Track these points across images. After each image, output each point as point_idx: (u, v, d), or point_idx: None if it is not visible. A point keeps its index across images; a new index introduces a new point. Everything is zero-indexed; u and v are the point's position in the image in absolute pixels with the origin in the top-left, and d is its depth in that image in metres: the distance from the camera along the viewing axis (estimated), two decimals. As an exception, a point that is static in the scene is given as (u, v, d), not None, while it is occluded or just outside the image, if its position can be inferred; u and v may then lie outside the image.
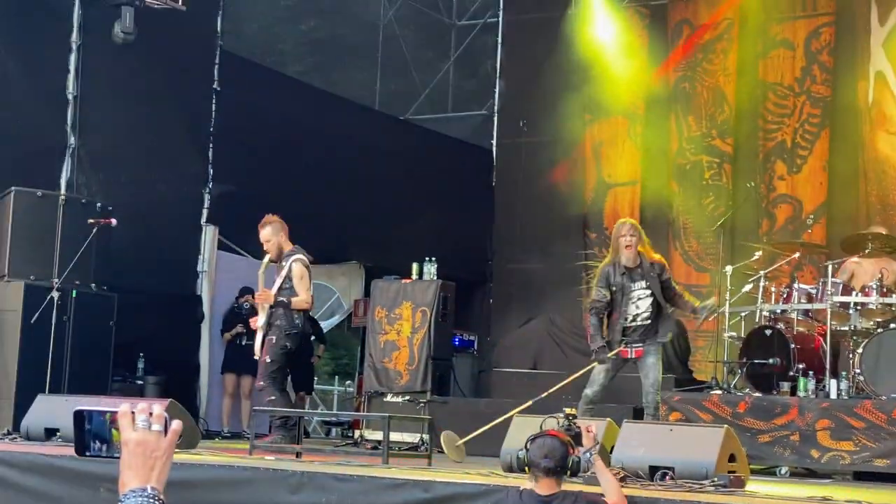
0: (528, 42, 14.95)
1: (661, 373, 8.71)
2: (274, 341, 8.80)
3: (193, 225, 11.53)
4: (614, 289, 8.65)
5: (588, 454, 5.85)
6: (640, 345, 8.60)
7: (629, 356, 8.61)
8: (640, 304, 8.68)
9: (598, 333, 8.82)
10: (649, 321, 8.65)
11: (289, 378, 13.53)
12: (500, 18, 15.61)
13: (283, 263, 8.89)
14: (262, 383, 8.90)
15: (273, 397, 8.84)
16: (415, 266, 11.69)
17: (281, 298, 8.80)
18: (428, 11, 16.17)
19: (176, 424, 2.11)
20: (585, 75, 14.03)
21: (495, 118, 15.56)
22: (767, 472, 9.09)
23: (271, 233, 8.91)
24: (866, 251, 10.19)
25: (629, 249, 8.63)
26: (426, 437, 9.84)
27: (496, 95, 15.58)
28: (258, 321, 8.94)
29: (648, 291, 8.65)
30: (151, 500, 2.04)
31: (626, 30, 14.20)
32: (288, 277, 8.82)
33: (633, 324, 8.66)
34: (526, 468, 5.27)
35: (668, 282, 8.81)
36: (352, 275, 14.72)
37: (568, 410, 6.29)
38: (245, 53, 12.87)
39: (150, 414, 2.09)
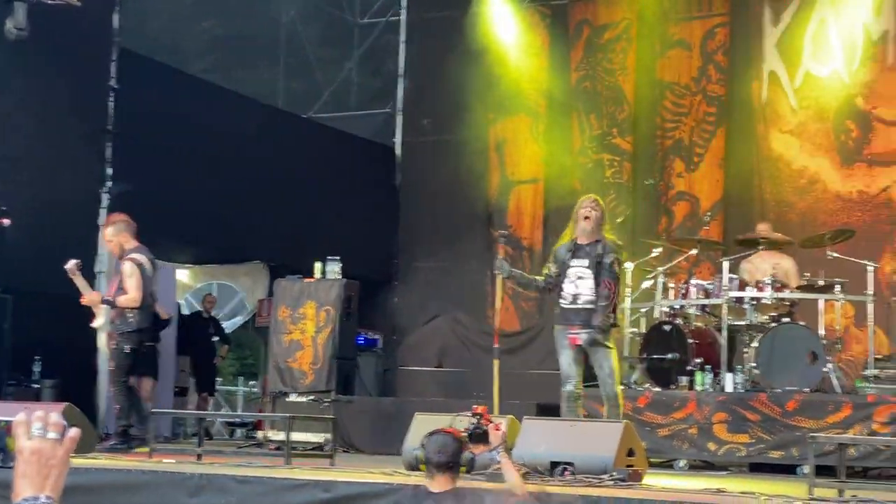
0: (431, 41, 14.98)
1: (616, 361, 8.07)
2: (115, 346, 8.73)
3: (90, 225, 11.33)
4: (559, 265, 8.09)
5: (495, 452, 5.90)
6: (589, 330, 7.91)
7: (579, 342, 7.95)
8: (578, 283, 8.01)
9: (523, 274, 8.59)
10: (592, 305, 7.95)
11: (192, 380, 13.52)
12: (403, 17, 15.62)
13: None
14: (112, 389, 8.82)
15: (119, 405, 8.75)
16: (318, 265, 11.64)
17: (108, 298, 8.72)
18: (330, 9, 16.12)
19: (73, 432, 2.10)
20: (488, 74, 14.11)
21: (399, 117, 15.57)
22: (666, 465, 9.24)
23: (113, 232, 8.87)
24: (759, 248, 10.44)
25: (587, 221, 8.01)
26: (330, 436, 9.82)
27: (399, 94, 15.58)
28: (95, 322, 8.84)
29: (589, 272, 7.99)
30: (45, 509, 2.02)
31: (528, 29, 14.31)
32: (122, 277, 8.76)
33: (574, 305, 7.99)
34: (422, 466, 5.30)
35: (608, 266, 8.03)
36: (256, 274, 14.62)
37: (476, 409, 6.32)
38: (145, 51, 12.68)
39: (47, 422, 2.07)
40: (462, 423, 6.20)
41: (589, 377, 11.26)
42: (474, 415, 6.18)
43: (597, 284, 7.98)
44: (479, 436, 6.01)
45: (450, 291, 14.05)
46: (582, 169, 13.80)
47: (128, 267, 8.71)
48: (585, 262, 8.03)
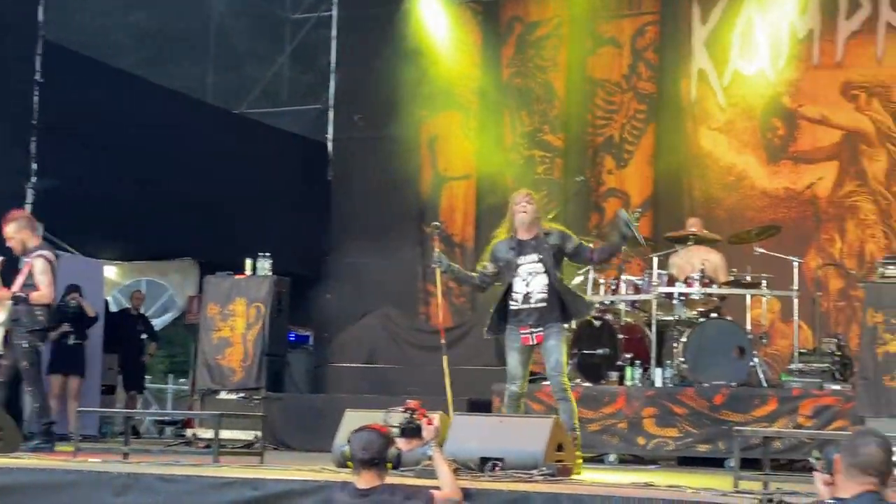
0: (363, 36, 14.94)
1: (564, 354, 7.75)
2: (25, 345, 8.56)
3: (16, 221, 11.14)
4: (501, 264, 7.84)
5: (427, 447, 5.90)
6: (540, 329, 7.66)
7: (530, 342, 7.69)
8: (530, 280, 7.73)
9: (461, 269, 8.21)
10: (545, 303, 7.69)
11: (120, 377, 13.36)
12: (335, 13, 15.55)
13: (27, 260, 8.70)
14: (30, 388, 8.68)
15: (38, 404, 8.63)
16: (248, 261, 11.55)
17: (20, 294, 8.59)
18: (261, 4, 16.00)
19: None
20: (420, 70, 14.09)
21: (331, 113, 15.50)
22: (596, 459, 9.30)
23: (14, 229, 8.72)
24: (688, 244, 10.54)
25: (525, 215, 7.77)
26: (259, 434, 9.75)
27: (331, 90, 15.51)
28: None
29: (541, 266, 7.72)
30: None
31: (459, 26, 14.32)
32: (31, 274, 8.63)
33: (526, 305, 7.72)
34: (349, 463, 5.28)
35: (577, 248, 7.83)
36: (185, 271, 14.49)
37: (409, 403, 6.31)
38: (72, 45, 12.49)
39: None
40: (395, 418, 6.19)
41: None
42: (406, 409, 6.17)
43: (552, 278, 7.71)
44: (411, 430, 6.00)
45: (381, 288, 14.01)
46: (513, 165, 13.83)
47: (40, 264, 8.58)
48: (534, 257, 7.77)
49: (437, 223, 8.77)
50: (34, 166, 11.36)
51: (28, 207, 11.15)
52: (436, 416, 6.11)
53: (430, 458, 5.92)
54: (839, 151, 12.49)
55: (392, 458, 5.23)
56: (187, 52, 15.56)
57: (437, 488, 5.66)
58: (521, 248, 7.81)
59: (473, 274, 8.13)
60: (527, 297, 7.74)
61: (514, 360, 7.81)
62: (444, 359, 8.46)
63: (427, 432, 5.92)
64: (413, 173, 14.44)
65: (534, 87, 13.96)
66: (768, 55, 12.70)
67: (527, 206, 7.84)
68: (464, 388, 10.50)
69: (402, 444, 5.80)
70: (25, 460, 7.33)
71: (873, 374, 8.16)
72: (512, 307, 7.79)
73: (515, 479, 6.46)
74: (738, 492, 5.97)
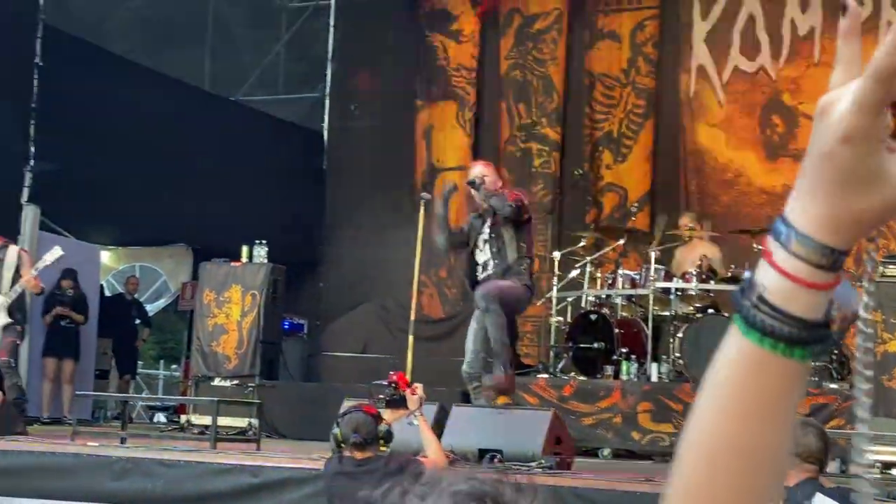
0: (361, 25, 14.90)
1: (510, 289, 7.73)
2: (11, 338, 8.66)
3: (13, 205, 11.11)
4: (471, 233, 8.01)
5: (412, 416, 5.93)
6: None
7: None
8: (484, 248, 7.89)
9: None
10: (495, 269, 7.80)
11: (113, 361, 13.35)
12: (332, 1, 15.51)
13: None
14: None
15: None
16: (245, 249, 11.54)
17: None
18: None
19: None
20: (417, 59, 14.07)
21: (327, 101, 15.47)
22: (590, 453, 9.32)
23: None
24: (687, 239, 10.56)
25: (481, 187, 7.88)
26: (255, 421, 9.74)
27: (328, 78, 15.48)
28: None
29: (492, 234, 7.85)
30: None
31: (458, 17, 14.28)
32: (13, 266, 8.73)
33: (484, 274, 7.83)
34: (341, 444, 5.28)
35: (516, 210, 7.82)
36: (179, 257, 14.46)
37: (392, 375, 6.32)
38: (71, 29, 12.45)
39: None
40: (380, 390, 6.23)
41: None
42: (390, 383, 6.19)
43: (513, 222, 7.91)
44: (396, 401, 6.03)
45: (376, 278, 14.00)
46: (510, 158, 13.84)
47: (26, 256, 8.71)
48: (489, 222, 8.03)
49: (427, 195, 8.84)
50: (32, 150, 11.32)
51: (26, 191, 11.14)
52: (419, 386, 6.12)
53: (416, 424, 5.95)
54: (837, 150, 12.48)
55: (383, 434, 5.24)
56: (185, 39, 15.52)
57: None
58: (483, 215, 8.06)
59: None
60: (485, 266, 7.94)
61: (469, 333, 8.00)
62: (410, 339, 8.56)
63: (411, 402, 5.96)
64: (408, 163, 14.42)
65: (532, 79, 13.94)
66: (769, 52, 12.70)
67: (475, 174, 8.08)
68: (458, 380, 10.52)
69: (387, 415, 5.83)
70: (24, 443, 7.30)
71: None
72: (478, 279, 7.96)
73: (514, 471, 6.46)
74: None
